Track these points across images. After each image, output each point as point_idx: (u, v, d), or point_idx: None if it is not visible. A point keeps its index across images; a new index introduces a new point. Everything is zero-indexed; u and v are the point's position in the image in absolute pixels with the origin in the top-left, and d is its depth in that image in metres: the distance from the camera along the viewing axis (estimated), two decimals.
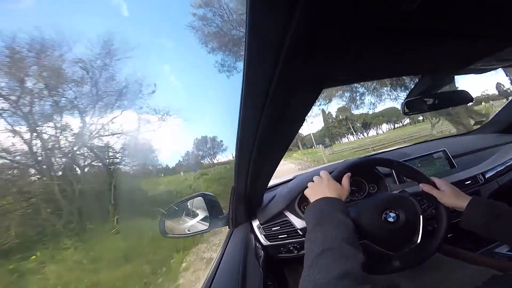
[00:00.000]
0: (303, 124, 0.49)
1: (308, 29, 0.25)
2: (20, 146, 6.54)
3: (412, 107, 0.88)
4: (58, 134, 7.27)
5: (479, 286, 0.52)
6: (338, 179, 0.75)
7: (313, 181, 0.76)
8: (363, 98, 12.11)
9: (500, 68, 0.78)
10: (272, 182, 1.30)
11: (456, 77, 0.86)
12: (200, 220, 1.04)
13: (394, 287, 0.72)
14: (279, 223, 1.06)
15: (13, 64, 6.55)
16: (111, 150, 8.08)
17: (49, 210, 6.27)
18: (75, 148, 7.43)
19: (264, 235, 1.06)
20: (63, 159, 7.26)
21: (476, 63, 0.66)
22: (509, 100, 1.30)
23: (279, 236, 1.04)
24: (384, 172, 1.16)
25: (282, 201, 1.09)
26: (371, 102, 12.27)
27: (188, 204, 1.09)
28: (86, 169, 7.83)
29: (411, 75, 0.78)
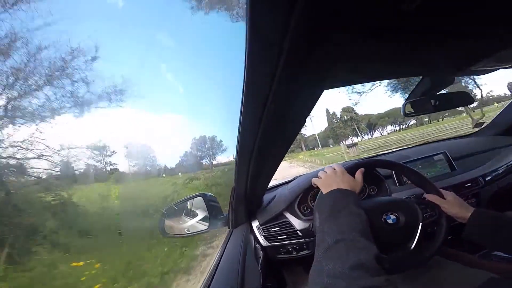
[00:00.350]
0: (305, 124, 0.49)
1: (308, 29, 0.25)
2: None
3: (412, 108, 0.88)
4: None
5: None
6: (351, 173, 0.74)
7: (325, 172, 0.75)
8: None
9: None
10: (272, 183, 1.30)
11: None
12: (200, 220, 1.04)
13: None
14: (279, 224, 1.05)
15: None
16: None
17: None
18: None
19: (263, 235, 1.06)
20: None
21: (476, 64, 0.66)
22: (509, 102, 1.30)
23: (279, 237, 1.04)
24: (384, 174, 1.16)
25: (282, 202, 1.09)
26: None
27: (188, 204, 1.09)
28: None
29: (412, 76, 0.78)
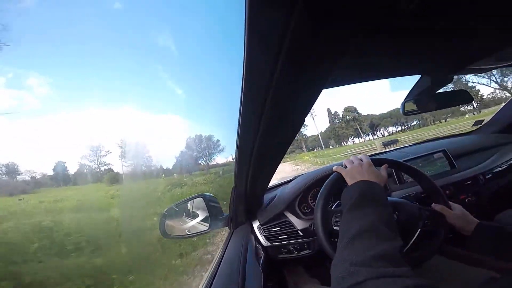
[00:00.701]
0: (305, 124, 0.49)
1: (307, 28, 0.25)
2: None
3: (411, 107, 0.89)
4: None
5: (477, 287, 0.52)
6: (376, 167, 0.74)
7: (351, 161, 0.74)
8: None
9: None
10: (272, 183, 1.30)
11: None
12: (201, 220, 1.04)
13: None
14: (280, 224, 1.05)
15: None
16: None
17: None
18: None
19: (264, 235, 1.06)
20: None
21: (474, 63, 0.66)
22: (508, 100, 1.30)
23: (279, 237, 1.04)
24: None
25: (283, 202, 1.09)
26: None
27: (189, 204, 1.09)
28: None
29: (411, 74, 0.78)
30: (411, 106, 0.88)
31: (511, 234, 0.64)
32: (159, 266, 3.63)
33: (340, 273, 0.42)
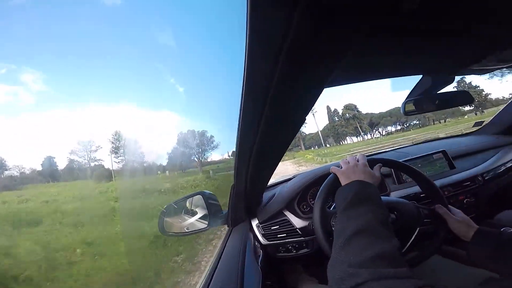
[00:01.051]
0: (304, 123, 0.49)
1: (309, 28, 0.24)
2: None
3: (412, 107, 0.88)
4: None
5: (477, 287, 0.52)
6: (370, 166, 0.74)
7: (347, 162, 0.74)
8: None
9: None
10: (271, 181, 1.30)
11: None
12: (199, 218, 1.04)
13: None
14: (278, 222, 1.06)
15: None
16: None
17: None
18: None
19: (263, 234, 1.06)
20: None
21: (477, 64, 0.66)
22: (508, 102, 1.30)
23: (278, 235, 1.04)
24: (384, 173, 1.16)
25: (282, 200, 1.09)
26: None
27: (187, 202, 1.09)
28: None
29: (412, 74, 0.77)
30: (412, 107, 0.88)
31: (510, 240, 0.64)
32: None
33: (338, 274, 0.42)
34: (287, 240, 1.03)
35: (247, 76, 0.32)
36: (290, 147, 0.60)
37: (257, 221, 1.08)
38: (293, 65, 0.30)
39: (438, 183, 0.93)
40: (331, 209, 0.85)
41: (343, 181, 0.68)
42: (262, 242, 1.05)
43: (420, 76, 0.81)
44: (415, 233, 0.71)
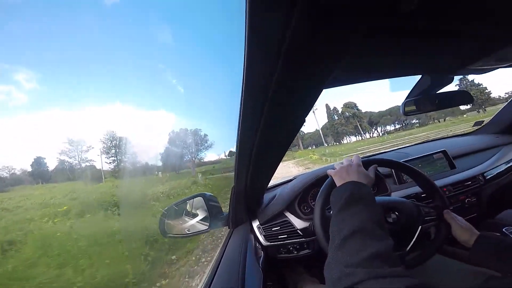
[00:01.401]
0: (304, 124, 0.49)
1: (308, 28, 0.25)
2: None
3: (411, 107, 0.88)
4: None
5: (477, 286, 0.52)
6: (364, 167, 0.74)
7: (341, 163, 0.75)
8: None
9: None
10: (272, 182, 1.30)
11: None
12: (200, 220, 1.04)
13: None
14: (279, 224, 1.06)
15: None
16: None
17: None
18: None
19: (264, 235, 1.06)
20: None
21: (476, 63, 0.66)
22: (509, 101, 1.30)
23: (279, 237, 1.04)
24: (384, 173, 1.16)
25: (282, 202, 1.09)
26: None
27: (188, 204, 1.09)
28: None
29: (411, 74, 0.78)
30: (412, 107, 0.88)
31: (510, 245, 0.64)
32: None
33: (335, 274, 0.42)
34: (288, 241, 1.03)
35: (247, 77, 0.32)
36: (289, 147, 0.60)
37: (258, 223, 1.08)
38: (292, 66, 0.30)
39: (439, 183, 0.93)
40: (331, 212, 0.85)
41: (338, 183, 0.69)
42: (263, 243, 1.05)
43: (419, 76, 0.81)
44: (418, 232, 0.71)
